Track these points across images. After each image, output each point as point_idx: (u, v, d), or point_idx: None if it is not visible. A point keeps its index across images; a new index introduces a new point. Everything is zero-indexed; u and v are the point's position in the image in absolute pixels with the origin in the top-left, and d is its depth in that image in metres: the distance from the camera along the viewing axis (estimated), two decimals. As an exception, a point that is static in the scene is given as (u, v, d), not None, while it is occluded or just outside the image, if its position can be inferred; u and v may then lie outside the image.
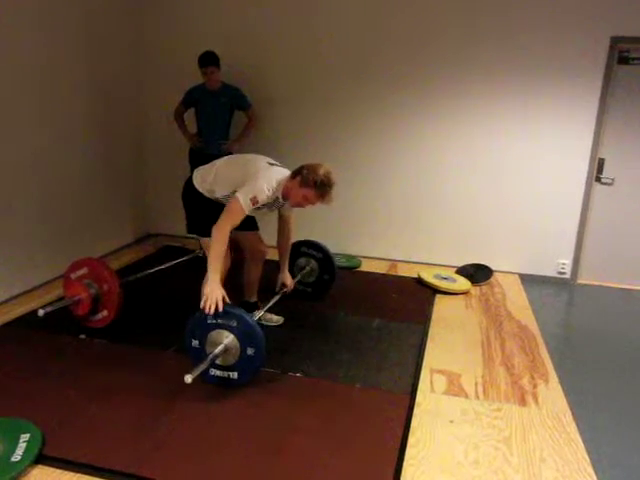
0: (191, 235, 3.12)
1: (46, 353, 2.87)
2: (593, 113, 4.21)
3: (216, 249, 2.59)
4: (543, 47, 4.16)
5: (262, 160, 2.84)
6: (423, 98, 4.47)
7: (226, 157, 3.04)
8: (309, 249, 3.73)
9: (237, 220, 2.65)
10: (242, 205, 2.61)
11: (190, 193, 2.96)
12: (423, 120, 4.52)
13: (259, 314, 3.00)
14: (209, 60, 4.01)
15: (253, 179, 2.66)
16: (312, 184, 2.64)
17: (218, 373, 2.57)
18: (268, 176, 2.70)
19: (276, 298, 3.19)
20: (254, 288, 3.34)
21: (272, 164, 2.83)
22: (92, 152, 4.29)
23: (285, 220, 3.17)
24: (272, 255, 3.33)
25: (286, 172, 2.82)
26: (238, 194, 2.63)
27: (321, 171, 2.66)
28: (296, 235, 3.74)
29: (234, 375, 2.55)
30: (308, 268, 3.71)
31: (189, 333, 2.56)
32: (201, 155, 4.29)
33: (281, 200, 2.82)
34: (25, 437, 2.09)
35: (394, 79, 4.47)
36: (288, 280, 3.28)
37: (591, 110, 4.20)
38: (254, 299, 3.35)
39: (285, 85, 4.69)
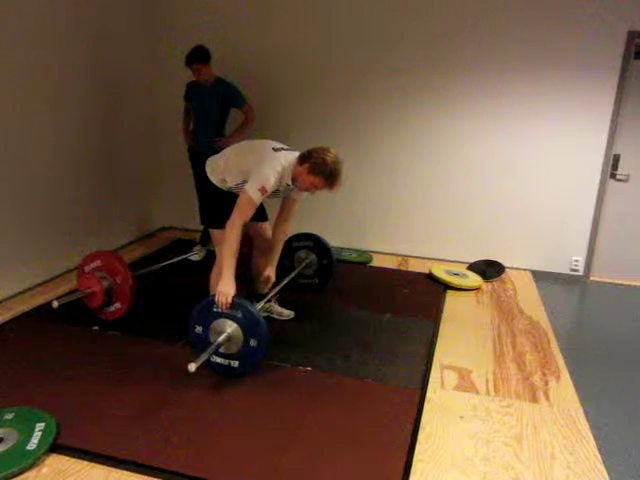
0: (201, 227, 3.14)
1: (60, 344, 2.90)
2: (609, 108, 4.16)
3: (230, 245, 2.60)
4: (558, 42, 4.11)
5: (267, 147, 2.80)
6: (436, 94, 4.44)
7: (234, 145, 3.00)
8: (300, 241, 3.73)
9: (249, 213, 2.65)
10: (252, 197, 2.61)
11: (203, 184, 2.97)
12: (436, 116, 4.49)
13: (263, 303, 3.03)
14: (193, 58, 3.89)
15: (258, 169, 2.65)
16: (321, 173, 2.61)
17: (219, 360, 2.60)
18: (273, 163, 2.67)
19: (279, 287, 3.21)
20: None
21: (277, 149, 2.79)
22: (106, 146, 4.32)
23: (289, 203, 3.05)
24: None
25: (292, 155, 2.76)
26: (246, 187, 2.63)
27: (329, 159, 2.59)
28: (306, 229, 3.78)
29: (235, 364, 2.58)
30: (308, 260, 3.71)
31: (193, 320, 2.59)
32: (194, 153, 4.24)
33: (291, 185, 2.78)
34: (40, 426, 2.12)
35: (407, 75, 4.45)
36: (273, 276, 3.12)
37: (607, 105, 4.16)
38: (265, 291, 3.35)
39: (294, 79, 4.69)
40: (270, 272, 3.12)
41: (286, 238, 3.20)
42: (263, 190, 2.62)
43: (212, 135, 4.13)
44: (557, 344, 3.20)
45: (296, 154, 2.76)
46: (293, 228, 3.32)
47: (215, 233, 2.94)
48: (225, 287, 2.53)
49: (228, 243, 2.60)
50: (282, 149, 2.81)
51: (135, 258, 4.38)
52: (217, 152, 3.98)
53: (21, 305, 3.37)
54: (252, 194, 2.61)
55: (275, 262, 3.16)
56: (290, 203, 3.06)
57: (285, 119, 4.77)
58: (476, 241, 4.65)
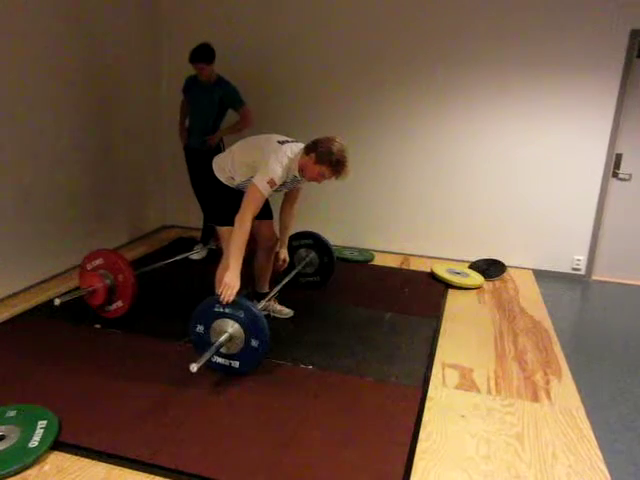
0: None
1: (62, 342, 2.91)
2: (611, 108, 4.15)
3: (239, 239, 2.62)
4: (561, 41, 4.10)
5: (272, 141, 2.82)
6: (438, 94, 4.44)
7: (238, 143, 3.00)
8: (300, 240, 3.73)
9: (258, 206, 2.68)
10: (261, 190, 2.63)
11: (210, 182, 2.98)
12: (438, 116, 4.49)
13: (264, 303, 3.03)
14: (196, 57, 3.83)
15: (265, 163, 2.67)
16: (327, 162, 2.64)
17: (220, 360, 2.60)
18: (279, 156, 2.69)
19: (279, 286, 3.22)
20: (266, 278, 3.36)
21: (282, 142, 2.80)
22: (107, 144, 4.32)
23: (294, 190, 3.14)
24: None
25: (298, 147, 2.80)
26: (255, 180, 2.65)
27: (335, 148, 2.63)
28: (308, 228, 3.79)
29: (235, 364, 2.58)
30: (308, 258, 3.71)
31: (195, 318, 2.59)
32: (188, 150, 4.24)
33: (298, 176, 2.82)
34: (42, 424, 2.13)
35: (410, 75, 4.45)
36: (287, 256, 3.28)
37: (609, 105, 4.15)
38: (265, 289, 3.36)
39: (296, 79, 4.69)
40: (284, 254, 3.27)
41: (294, 219, 3.27)
42: (272, 183, 2.64)
43: (206, 133, 4.11)
44: (559, 343, 3.20)
45: (301, 146, 2.80)
46: (294, 228, 3.37)
47: (223, 230, 2.94)
48: (232, 280, 2.54)
49: (237, 236, 2.62)
50: (287, 141, 2.83)
51: (137, 256, 4.38)
52: (210, 150, 3.99)
53: (23, 303, 3.37)
54: (261, 187, 2.63)
55: (286, 242, 3.29)
56: (295, 190, 3.14)
57: (286, 119, 4.76)
58: (478, 240, 4.64)
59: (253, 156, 2.79)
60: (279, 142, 2.79)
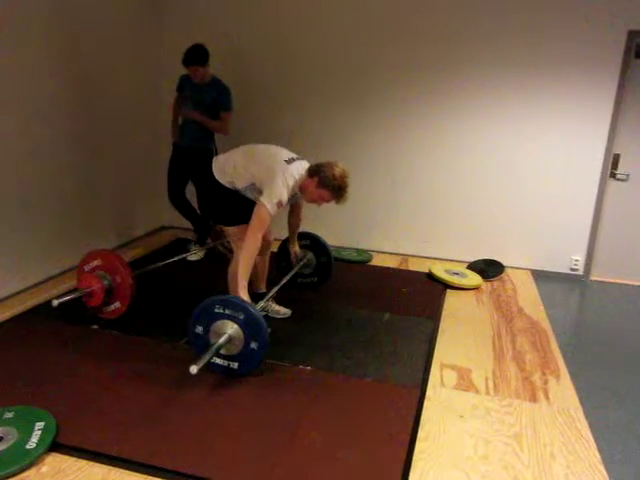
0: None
1: (60, 343, 2.90)
2: (609, 108, 4.16)
3: (249, 256, 2.70)
4: (559, 41, 4.11)
5: (280, 160, 2.85)
6: (437, 95, 4.44)
7: (243, 148, 3.01)
8: (298, 240, 3.73)
9: (267, 225, 2.76)
10: (270, 211, 2.70)
11: (212, 184, 2.98)
12: (436, 117, 4.49)
13: (262, 303, 3.04)
14: (190, 59, 3.77)
15: (272, 182, 2.73)
16: (330, 187, 2.74)
17: (219, 361, 2.60)
18: (287, 177, 2.76)
19: (277, 287, 3.22)
20: (263, 278, 3.38)
21: (289, 160, 2.85)
22: (106, 146, 4.32)
23: (297, 205, 3.32)
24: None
25: (303, 167, 2.87)
26: (263, 200, 2.71)
27: (338, 174, 2.73)
28: (306, 228, 3.78)
29: (234, 365, 2.58)
30: (306, 259, 3.72)
31: (194, 320, 2.59)
32: (177, 149, 4.22)
33: (298, 194, 2.90)
34: (40, 425, 2.12)
35: (409, 75, 4.45)
36: (294, 249, 3.57)
37: (607, 105, 4.16)
38: (263, 290, 3.37)
39: (296, 79, 4.69)
40: (295, 249, 3.57)
41: (301, 221, 3.47)
42: (279, 204, 2.74)
43: (199, 134, 4.08)
44: (557, 343, 3.20)
45: (306, 165, 2.88)
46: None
47: (230, 230, 3.00)
48: (242, 296, 2.65)
49: (248, 254, 2.70)
50: (293, 159, 2.88)
51: (134, 257, 4.37)
52: (195, 147, 3.94)
53: (21, 304, 3.36)
54: (270, 208, 2.70)
55: (295, 240, 3.56)
56: (298, 204, 3.31)
57: (287, 118, 4.76)
58: (476, 240, 4.65)
59: (258, 170, 2.83)
60: (286, 161, 2.84)
